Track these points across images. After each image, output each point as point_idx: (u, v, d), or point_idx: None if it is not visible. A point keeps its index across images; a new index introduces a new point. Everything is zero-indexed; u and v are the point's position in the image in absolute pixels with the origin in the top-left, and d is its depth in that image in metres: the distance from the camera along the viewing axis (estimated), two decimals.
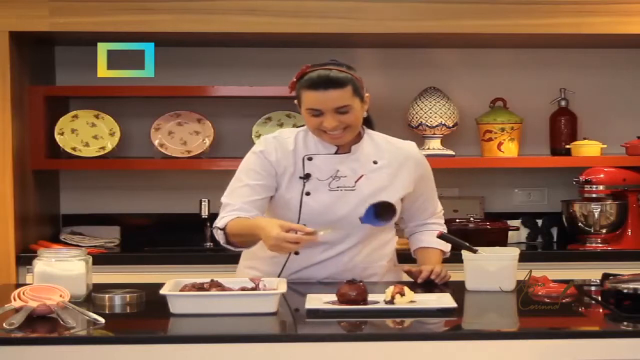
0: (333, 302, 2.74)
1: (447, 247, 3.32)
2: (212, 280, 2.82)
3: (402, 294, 2.72)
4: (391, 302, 2.71)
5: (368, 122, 3.29)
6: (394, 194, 3.18)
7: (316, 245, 3.11)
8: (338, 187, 3.16)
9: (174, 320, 2.64)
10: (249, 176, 3.16)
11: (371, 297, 2.77)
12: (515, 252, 3.07)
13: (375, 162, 3.20)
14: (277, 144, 3.19)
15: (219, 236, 3.13)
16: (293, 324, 2.70)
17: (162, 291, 2.70)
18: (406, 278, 3.30)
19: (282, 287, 2.77)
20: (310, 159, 3.18)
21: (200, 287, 2.76)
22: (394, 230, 3.36)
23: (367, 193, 3.15)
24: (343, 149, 3.20)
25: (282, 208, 3.18)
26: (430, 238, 3.34)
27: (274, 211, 3.20)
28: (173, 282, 2.81)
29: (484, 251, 3.06)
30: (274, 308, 2.68)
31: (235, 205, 3.12)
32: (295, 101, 3.18)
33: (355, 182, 3.17)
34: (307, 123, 3.14)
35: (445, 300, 2.76)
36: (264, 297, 2.72)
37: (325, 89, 3.06)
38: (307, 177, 3.17)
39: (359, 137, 3.22)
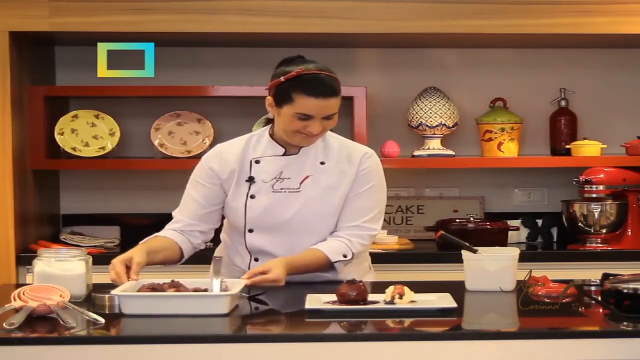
0: (333, 302, 2.74)
1: (335, 256, 3.12)
2: (172, 281, 2.81)
3: (402, 295, 2.72)
4: (391, 302, 2.71)
5: None
6: (342, 195, 3.17)
7: (272, 255, 3.14)
8: (281, 188, 3.15)
9: (174, 320, 2.64)
10: (195, 189, 3.22)
11: (371, 297, 2.77)
12: (515, 252, 3.06)
13: (322, 163, 3.18)
14: (221, 148, 3.22)
15: None
16: (293, 324, 2.70)
17: (114, 291, 2.72)
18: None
19: (236, 289, 2.74)
20: (257, 162, 3.17)
21: (154, 288, 2.75)
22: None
23: (314, 194, 3.14)
24: (290, 150, 3.18)
25: (230, 212, 3.19)
26: (324, 243, 3.14)
27: (226, 215, 3.23)
28: (133, 282, 2.82)
29: (484, 251, 3.06)
30: (225, 309, 2.64)
31: (181, 222, 3.20)
32: (271, 99, 3.08)
33: (300, 183, 3.15)
34: (289, 125, 3.06)
35: (445, 300, 2.75)
36: (213, 299, 2.69)
37: (326, 97, 3.03)
38: (251, 180, 3.16)
39: None
